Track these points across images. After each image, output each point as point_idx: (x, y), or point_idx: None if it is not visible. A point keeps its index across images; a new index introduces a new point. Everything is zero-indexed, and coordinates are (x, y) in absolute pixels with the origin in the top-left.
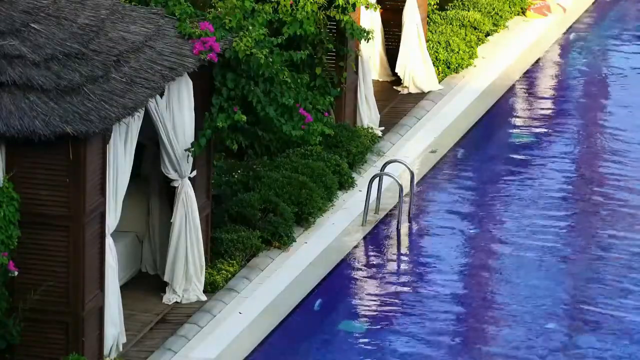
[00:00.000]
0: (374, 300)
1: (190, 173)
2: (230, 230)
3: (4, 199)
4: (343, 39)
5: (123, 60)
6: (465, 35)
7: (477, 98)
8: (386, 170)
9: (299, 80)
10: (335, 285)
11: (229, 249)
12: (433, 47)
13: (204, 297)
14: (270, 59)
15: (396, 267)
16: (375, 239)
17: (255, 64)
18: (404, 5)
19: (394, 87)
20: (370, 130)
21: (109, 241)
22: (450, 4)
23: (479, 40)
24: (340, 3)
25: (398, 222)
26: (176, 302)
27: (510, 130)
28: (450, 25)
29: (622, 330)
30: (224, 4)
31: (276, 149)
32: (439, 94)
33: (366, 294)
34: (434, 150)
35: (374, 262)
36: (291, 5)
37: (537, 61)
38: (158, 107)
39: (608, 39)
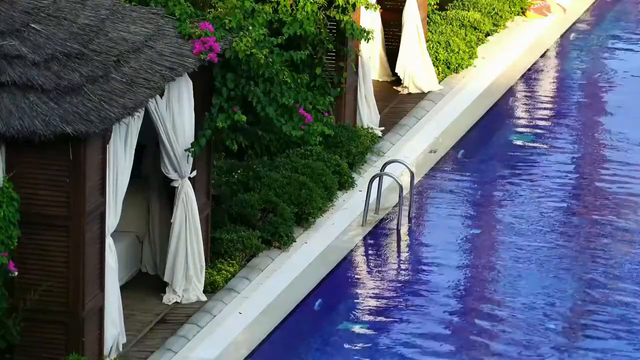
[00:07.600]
0: (374, 300)
1: (190, 173)
2: (230, 230)
3: (4, 199)
4: (343, 39)
5: (123, 61)
6: (465, 35)
7: (477, 98)
8: (386, 170)
9: (299, 80)
10: (335, 285)
11: (229, 249)
12: (433, 47)
13: (204, 297)
14: (270, 59)
15: (396, 267)
16: (375, 239)
17: (255, 64)
18: (404, 5)
19: (394, 87)
20: (370, 130)
21: (109, 241)
22: (450, 4)
23: (479, 40)
24: (340, 3)
25: (398, 222)
26: (176, 302)
27: (510, 130)
28: (450, 25)
29: (623, 331)
30: (224, 4)
31: (276, 149)
32: (439, 94)
33: (366, 294)
34: (434, 151)
35: (374, 262)
36: (291, 5)
37: (537, 61)
38: (158, 107)
39: (608, 39)
